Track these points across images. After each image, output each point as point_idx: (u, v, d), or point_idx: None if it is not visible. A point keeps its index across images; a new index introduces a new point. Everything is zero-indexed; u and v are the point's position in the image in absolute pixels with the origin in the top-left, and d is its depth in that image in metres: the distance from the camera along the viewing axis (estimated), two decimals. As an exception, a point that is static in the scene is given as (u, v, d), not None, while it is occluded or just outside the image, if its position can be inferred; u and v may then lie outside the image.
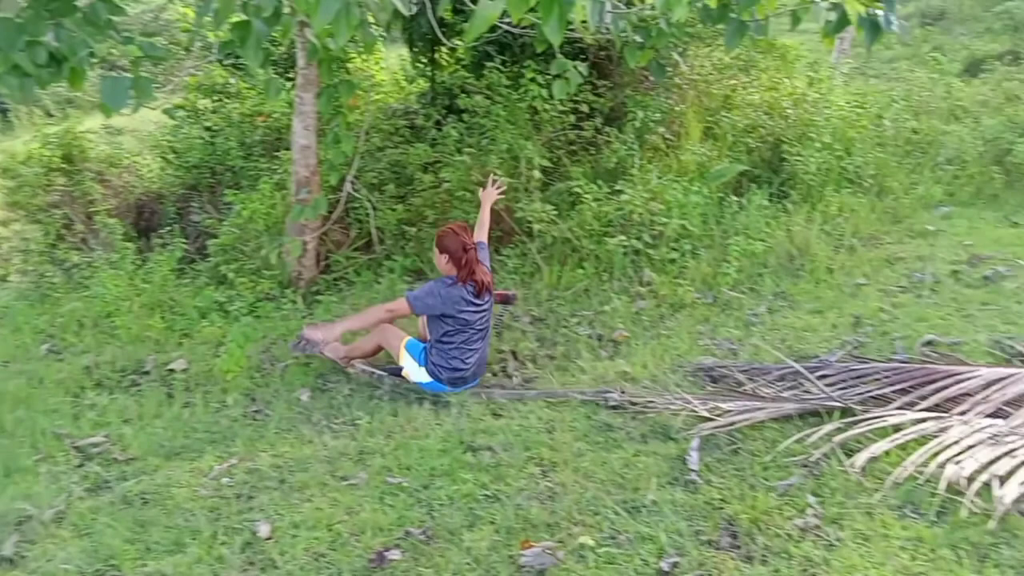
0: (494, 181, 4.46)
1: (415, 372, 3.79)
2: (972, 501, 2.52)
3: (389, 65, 7.52)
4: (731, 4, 3.17)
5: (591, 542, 2.54)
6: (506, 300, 4.30)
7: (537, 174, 5.37)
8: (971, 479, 2.61)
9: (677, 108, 6.10)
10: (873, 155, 5.96)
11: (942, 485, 2.61)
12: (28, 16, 2.41)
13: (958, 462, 2.70)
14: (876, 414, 3.07)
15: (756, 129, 6.05)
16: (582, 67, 4.07)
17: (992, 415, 3.01)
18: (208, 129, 6.59)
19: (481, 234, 4.17)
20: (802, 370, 3.43)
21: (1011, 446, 2.74)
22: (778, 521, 2.58)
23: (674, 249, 5.00)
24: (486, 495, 2.85)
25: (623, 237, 4.96)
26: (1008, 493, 2.51)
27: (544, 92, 5.40)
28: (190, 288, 5.09)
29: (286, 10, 3.04)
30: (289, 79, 6.13)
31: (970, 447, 2.78)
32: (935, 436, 2.87)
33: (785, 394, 3.38)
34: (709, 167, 5.68)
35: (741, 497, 2.71)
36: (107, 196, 6.27)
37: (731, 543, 2.53)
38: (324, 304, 4.91)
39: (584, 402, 3.50)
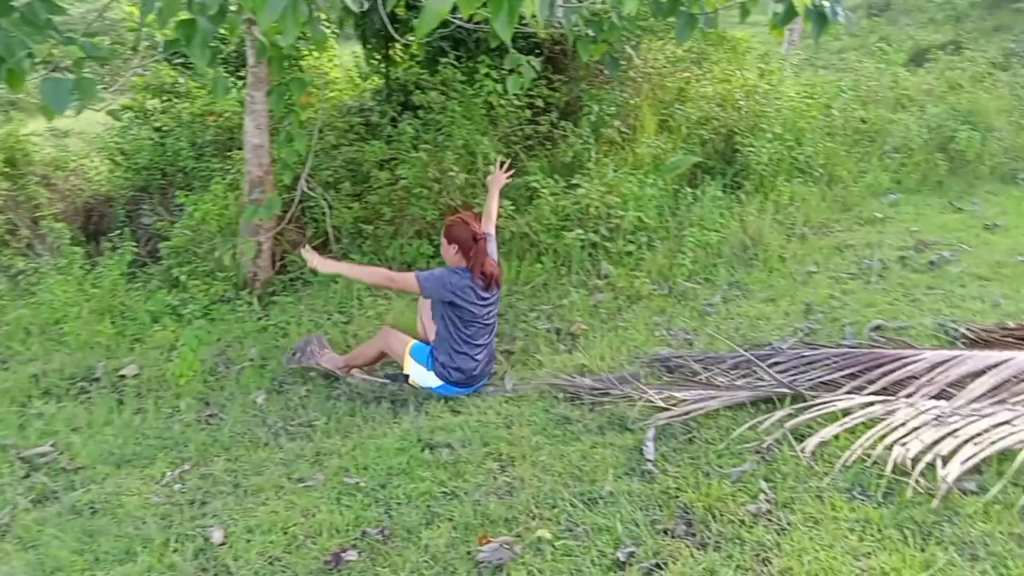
0: (502, 164, 4.28)
1: (423, 377, 3.65)
2: (917, 481, 2.58)
3: (343, 62, 7.45)
4: (681, -3, 3.20)
5: (549, 535, 2.54)
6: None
7: (493, 169, 5.35)
8: (916, 460, 2.67)
9: (632, 101, 6.15)
10: (823, 145, 6.09)
11: (889, 467, 2.66)
12: (-38, 17, 2.32)
13: (904, 444, 2.76)
14: (826, 399, 3.13)
15: (709, 121, 6.13)
16: (536, 62, 4.07)
17: (936, 397, 3.09)
18: (158, 130, 6.46)
19: (489, 224, 4.02)
20: (753, 359, 3.49)
21: (954, 426, 2.82)
22: (731, 507, 2.61)
23: (631, 242, 5.05)
24: (444, 492, 2.84)
25: (580, 231, 4.98)
26: (951, 472, 2.58)
27: (499, 87, 5.40)
28: (141, 292, 4.99)
29: (232, 7, 2.99)
30: (240, 77, 6.03)
31: (915, 429, 2.84)
32: (882, 419, 2.93)
33: (739, 382, 3.43)
34: (664, 159, 5.74)
35: (696, 485, 2.74)
36: (53, 200, 6.13)
37: (686, 531, 2.56)
38: (280, 305, 4.84)
39: (542, 395, 3.51)
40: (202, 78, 6.23)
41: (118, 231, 5.73)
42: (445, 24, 5.21)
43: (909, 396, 3.11)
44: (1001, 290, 4.23)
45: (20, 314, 4.78)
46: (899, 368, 3.29)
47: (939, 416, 2.90)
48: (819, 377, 3.35)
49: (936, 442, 2.74)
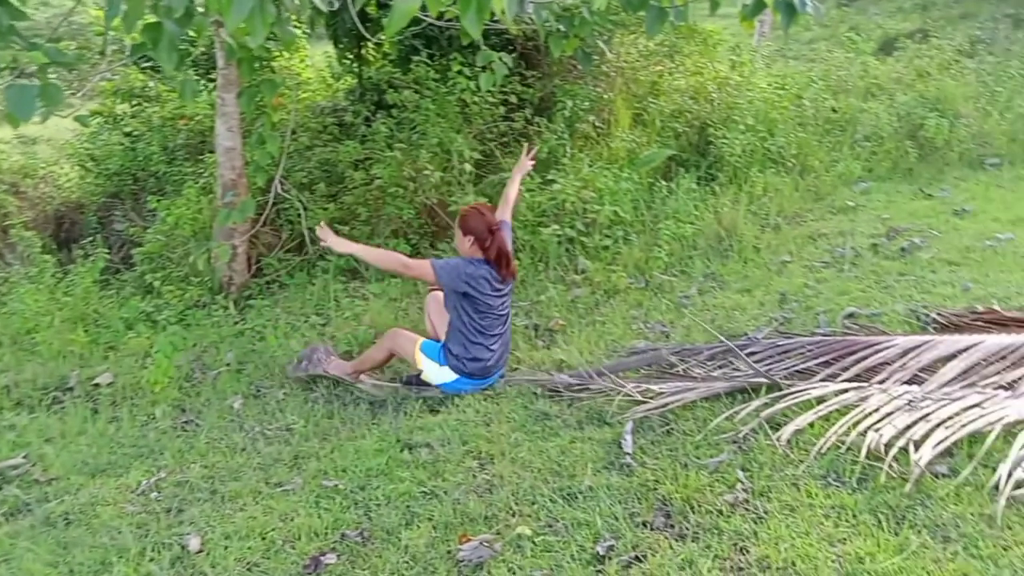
0: (529, 149, 4.19)
1: (436, 374, 3.57)
2: (890, 466, 2.61)
3: (315, 62, 7.41)
4: (651, -9, 3.20)
5: (528, 532, 2.55)
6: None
7: (469, 167, 5.36)
8: (889, 445, 2.70)
9: (606, 96, 6.17)
10: (795, 135, 6.14)
11: (863, 453, 2.69)
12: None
13: (877, 429, 2.79)
14: (801, 387, 3.16)
15: (683, 114, 6.17)
16: (507, 58, 4.07)
17: (908, 382, 3.13)
18: (128, 135, 6.39)
19: (505, 210, 3.94)
20: (733, 347, 3.51)
21: (926, 411, 2.86)
22: (709, 498, 2.63)
23: (607, 236, 5.06)
24: (424, 492, 2.84)
25: (557, 226, 4.99)
26: (923, 456, 2.62)
27: (472, 85, 5.39)
28: (115, 299, 4.93)
29: (200, 10, 2.96)
30: (211, 80, 5.98)
31: (888, 414, 2.88)
32: (856, 406, 2.97)
33: (715, 373, 3.45)
34: (639, 153, 5.76)
35: (674, 477, 2.76)
36: (23, 208, 6.05)
37: (665, 523, 2.57)
38: (257, 308, 4.80)
39: (521, 392, 3.52)
40: (172, 81, 6.16)
41: (90, 238, 5.68)
42: (416, 22, 5.19)
43: (882, 382, 3.15)
44: (970, 274, 4.29)
45: (-10, 325, 4.71)
46: (872, 355, 3.33)
47: (911, 401, 2.94)
48: (794, 366, 3.39)
49: (909, 427, 2.78)
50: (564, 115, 5.80)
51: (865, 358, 3.31)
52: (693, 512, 2.58)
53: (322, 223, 3.70)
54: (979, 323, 3.59)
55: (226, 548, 2.60)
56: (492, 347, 3.56)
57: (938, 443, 2.66)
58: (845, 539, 2.37)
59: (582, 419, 3.25)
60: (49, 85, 2.51)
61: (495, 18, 2.54)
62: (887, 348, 3.34)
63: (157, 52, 2.76)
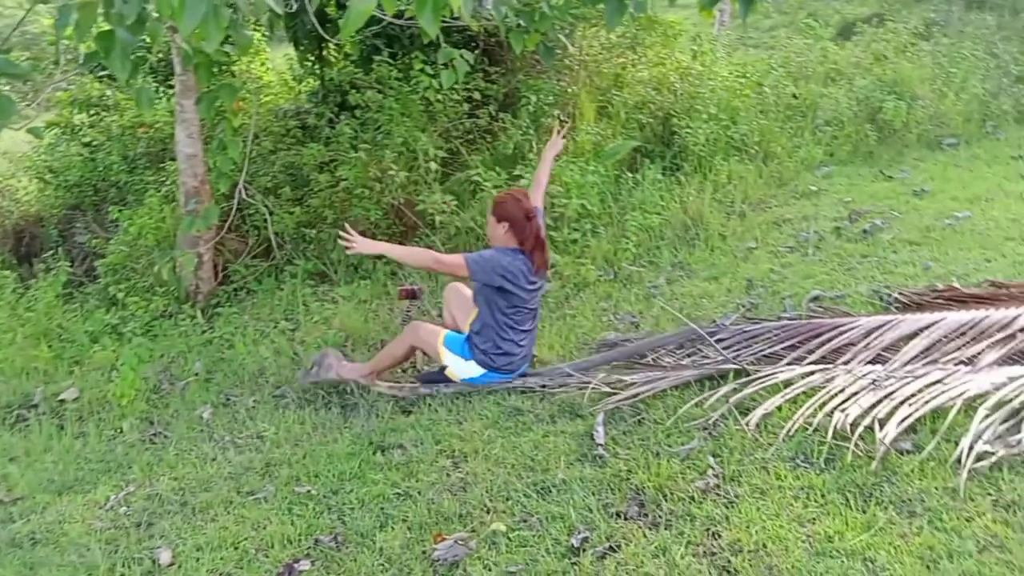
0: (559, 129, 4.00)
1: (462, 368, 3.45)
2: (856, 445, 2.65)
3: (276, 65, 7.33)
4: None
5: (503, 527, 2.55)
6: (412, 295, 4.25)
7: (435, 166, 5.34)
8: (855, 424, 2.74)
9: (570, 90, 6.17)
10: (757, 122, 6.20)
11: (830, 433, 2.73)
12: None
13: (843, 410, 2.84)
14: (768, 372, 3.20)
15: (646, 105, 6.19)
16: (469, 55, 4.04)
17: (873, 362, 3.19)
18: (87, 145, 6.28)
19: (537, 195, 3.73)
20: (704, 334, 3.53)
21: (890, 389, 2.90)
22: (681, 485, 2.65)
23: (575, 229, 5.07)
24: (397, 493, 2.83)
25: (524, 222, 4.98)
26: (888, 434, 2.66)
27: (435, 83, 5.36)
28: (79, 313, 4.86)
29: (154, 15, 2.91)
30: (169, 87, 5.89)
31: (854, 394, 2.92)
32: (822, 387, 3.01)
33: (685, 361, 3.48)
34: (604, 146, 5.77)
35: (646, 466, 2.78)
36: (-20, 224, 5.91)
37: (639, 512, 2.59)
38: (225, 316, 4.76)
39: (493, 388, 3.51)
40: (128, 90, 6.06)
41: (51, 251, 5.58)
42: (376, 21, 5.16)
43: (847, 363, 3.20)
44: (930, 254, 4.38)
45: (-50, 344, 4.61)
46: (837, 336, 3.38)
47: (875, 380, 2.99)
48: (761, 351, 3.42)
49: (873, 406, 2.82)
50: (529, 110, 5.79)
51: (830, 340, 3.36)
52: (666, 500, 2.60)
53: (346, 227, 3.41)
54: (939, 301, 3.66)
55: (198, 560, 2.57)
56: (522, 343, 3.47)
57: (902, 420, 2.71)
58: (814, 519, 2.40)
59: (554, 413, 3.25)
60: (1, 97, 2.46)
61: (455, 15, 2.54)
62: (851, 329, 3.40)
63: (110, 61, 2.70)
